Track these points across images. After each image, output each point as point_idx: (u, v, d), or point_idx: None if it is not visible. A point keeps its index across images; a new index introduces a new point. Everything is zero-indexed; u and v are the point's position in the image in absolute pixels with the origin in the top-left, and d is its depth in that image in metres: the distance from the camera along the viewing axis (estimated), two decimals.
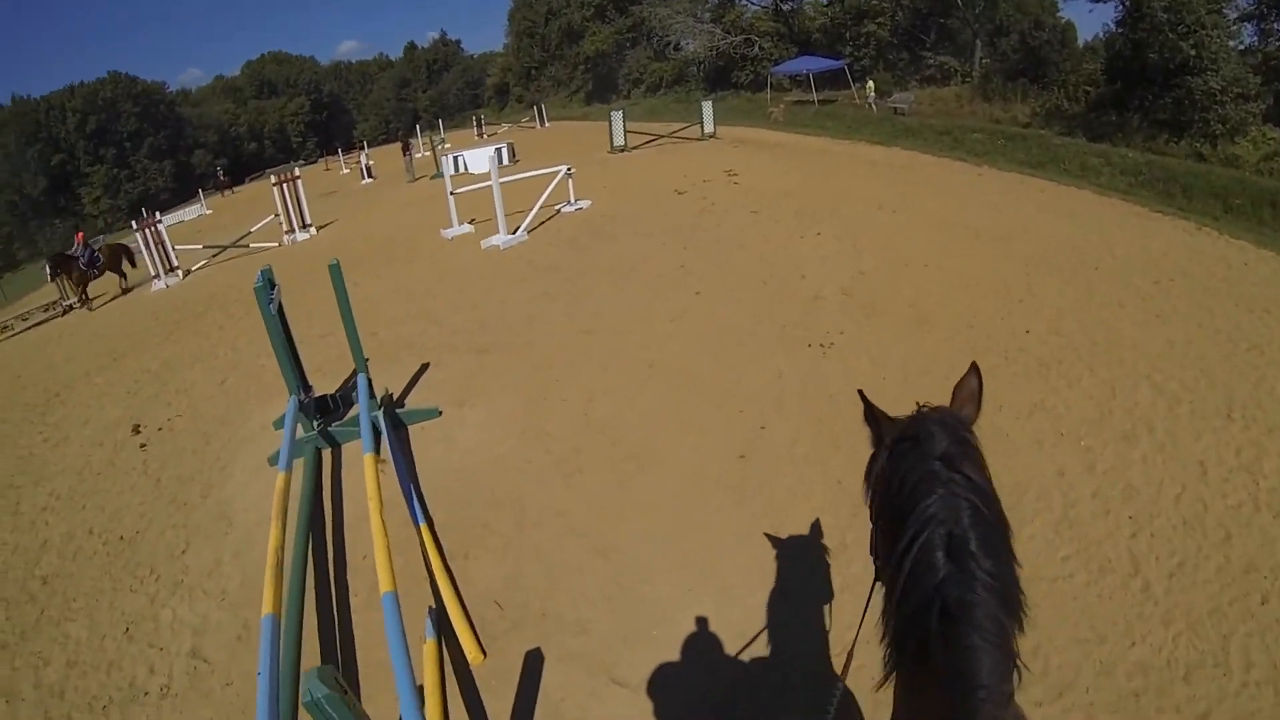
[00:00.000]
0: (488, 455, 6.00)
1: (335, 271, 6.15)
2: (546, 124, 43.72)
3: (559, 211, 14.27)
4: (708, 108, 23.38)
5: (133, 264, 19.38)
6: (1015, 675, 1.29)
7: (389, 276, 12.56)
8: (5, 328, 20.38)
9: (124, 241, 20.26)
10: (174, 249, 18.83)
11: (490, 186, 14.50)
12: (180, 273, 18.87)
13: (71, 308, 20.01)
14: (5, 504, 8.44)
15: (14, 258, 69.43)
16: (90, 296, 18.30)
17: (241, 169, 75.31)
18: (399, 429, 6.67)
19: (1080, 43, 27.75)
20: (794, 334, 7.23)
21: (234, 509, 6.51)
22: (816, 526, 4.81)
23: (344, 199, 27.80)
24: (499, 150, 25.53)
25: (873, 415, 1.63)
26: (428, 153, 30.55)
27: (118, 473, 8.10)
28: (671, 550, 4.68)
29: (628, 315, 8.25)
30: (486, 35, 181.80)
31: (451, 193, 14.11)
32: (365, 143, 56.28)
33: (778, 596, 4.24)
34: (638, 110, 38.17)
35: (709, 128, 22.99)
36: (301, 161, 72.75)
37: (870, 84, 28.30)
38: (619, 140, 22.66)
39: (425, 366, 8.14)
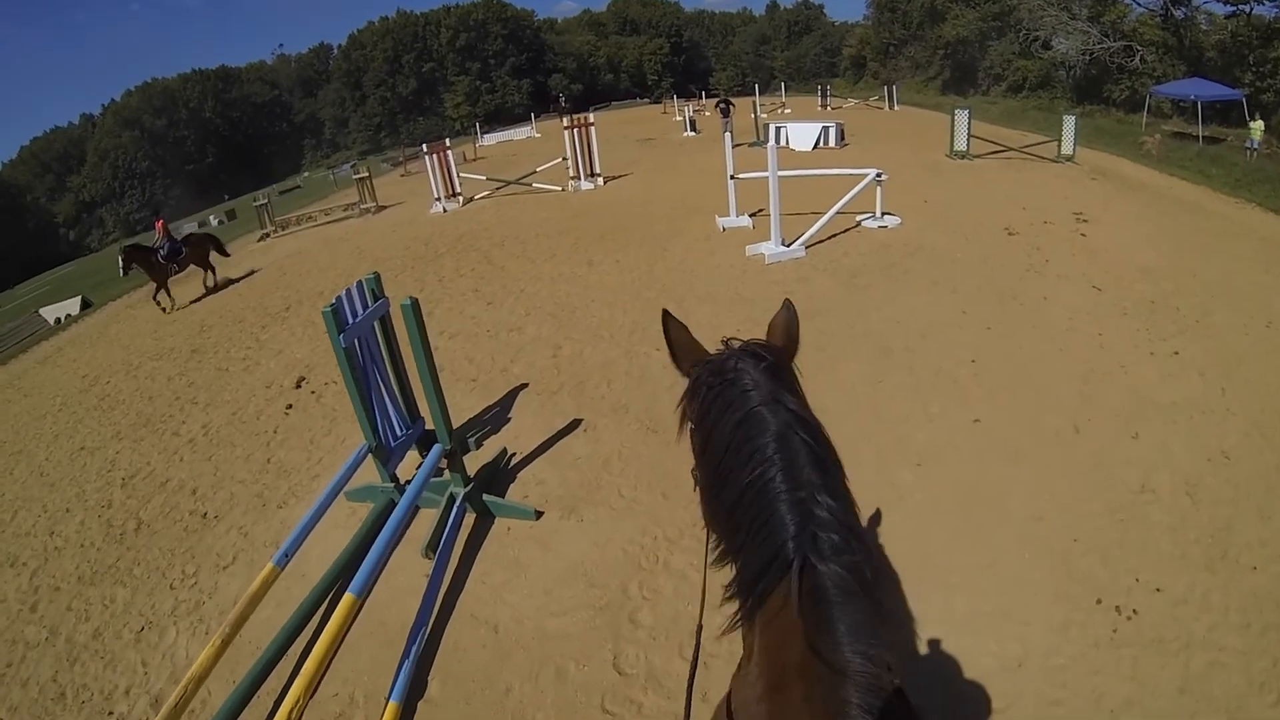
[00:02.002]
0: (539, 622, 4.27)
1: (409, 313, 4.74)
2: (896, 107, 40.20)
3: (858, 225, 11.94)
4: (1069, 124, 19.01)
5: (224, 253, 17.91)
6: (879, 624, 1.25)
7: (631, 265, 11.25)
8: (310, 218, 22.95)
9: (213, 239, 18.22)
10: (458, 176, 19.47)
11: (801, 175, 12.75)
12: (460, 199, 19.48)
13: (369, 210, 21.90)
14: (173, 422, 8.98)
15: (380, 145, 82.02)
16: (168, 301, 15.82)
17: (597, 97, 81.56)
18: (484, 517, 5.21)
19: None
20: (1084, 564, 4.17)
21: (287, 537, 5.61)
22: None
23: (655, 150, 27.47)
24: (826, 129, 23.34)
25: (672, 338, 1.67)
26: (763, 115, 28.79)
27: (253, 432, 8.04)
28: None
29: (861, 430, 5.70)
30: (849, 4, 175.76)
31: (732, 176, 12.39)
32: (703, 93, 56.54)
33: None
34: (993, 111, 33.87)
35: (1068, 148, 18.85)
36: (648, 100, 76.82)
37: (1257, 123, 21.96)
38: (960, 144, 19.37)
39: (575, 425, 6.54)
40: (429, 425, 5.97)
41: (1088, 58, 34.32)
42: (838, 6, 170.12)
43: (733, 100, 25.28)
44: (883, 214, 12.09)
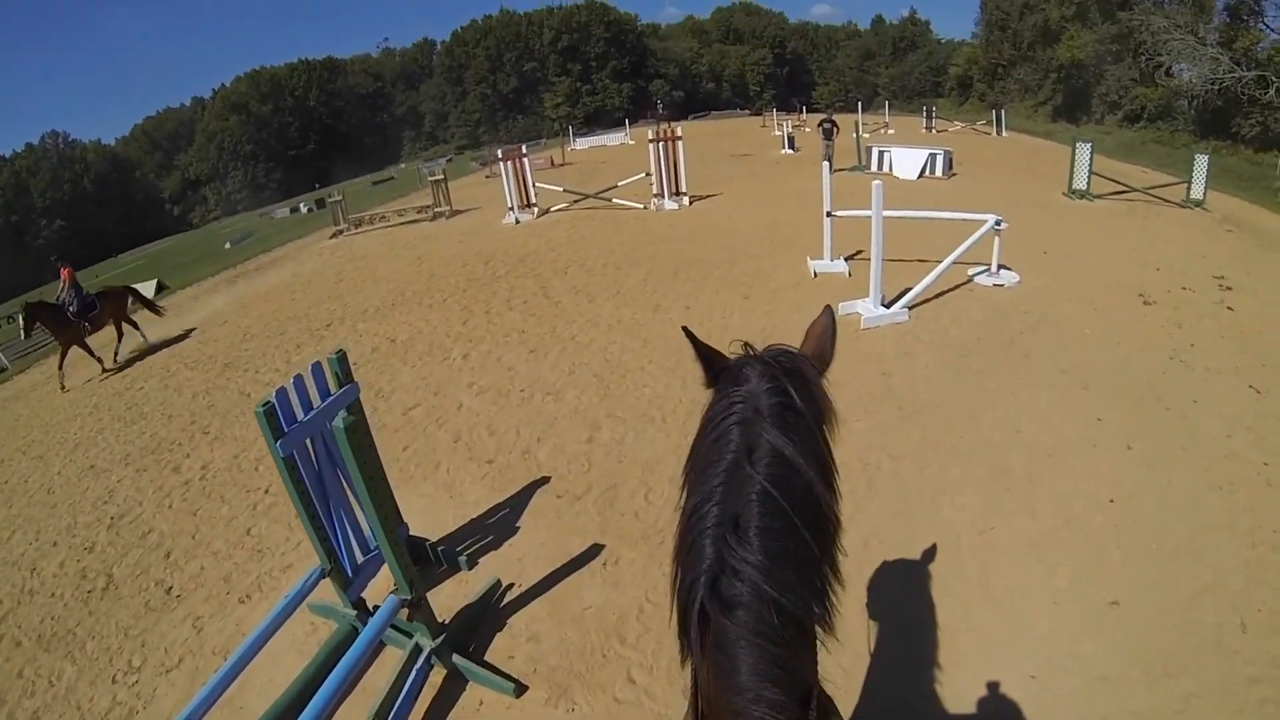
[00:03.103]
0: None
1: (342, 437, 3.55)
2: (1004, 133, 37.73)
3: (971, 280, 10.42)
4: (1201, 164, 16.66)
5: (155, 311, 14.88)
6: (795, 678, 1.23)
7: (704, 314, 9.85)
8: (383, 218, 22.57)
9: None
10: (534, 185, 18.58)
11: (907, 216, 11.38)
12: (535, 210, 18.62)
13: (442, 214, 21.30)
14: (179, 453, 8.44)
15: (478, 141, 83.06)
16: (96, 358, 13.33)
17: (697, 105, 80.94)
18: (456, 678, 4.06)
19: None
20: None
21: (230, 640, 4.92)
22: None
23: (750, 167, 26.11)
24: (932, 157, 21.50)
25: (701, 353, 1.54)
26: (865, 135, 26.56)
27: (247, 486, 7.43)
28: None
29: (965, 610, 4.20)
30: (957, 22, 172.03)
31: (829, 213, 10.98)
32: (803, 107, 54.69)
33: None
34: (1108, 143, 31.48)
35: (1197, 192, 16.63)
36: (748, 111, 75.59)
37: None
38: (1080, 182, 17.26)
39: (595, 553, 5.13)
40: (412, 530, 4.94)
41: (1215, 88, 31.30)
42: (945, 23, 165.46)
43: (836, 120, 23.21)
44: (999, 267, 10.56)
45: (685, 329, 1.59)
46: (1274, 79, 29.19)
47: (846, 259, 11.49)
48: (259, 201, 78.55)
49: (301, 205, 50.79)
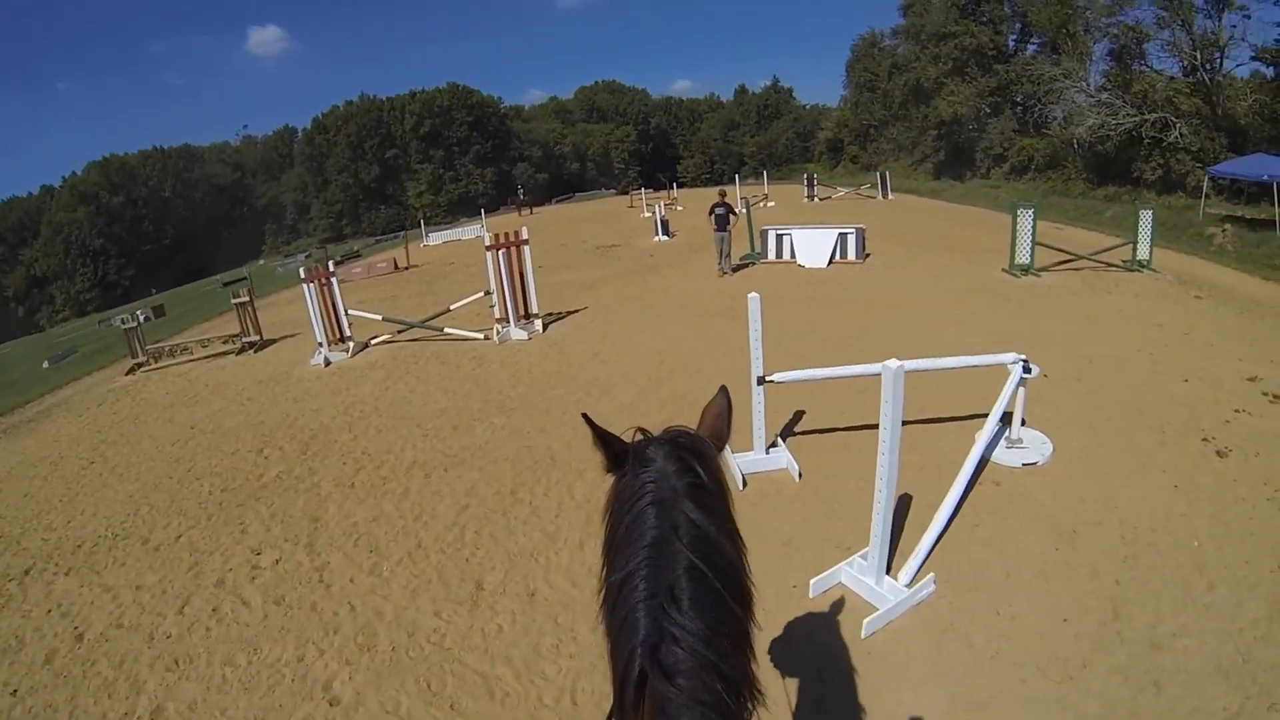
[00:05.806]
0: None
1: None
2: (890, 195, 35.29)
3: (988, 460, 6.33)
4: (1146, 221, 14.17)
5: None
6: None
7: (563, 586, 5.55)
8: (186, 349, 17.56)
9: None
10: (346, 314, 13.65)
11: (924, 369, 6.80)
12: (350, 347, 13.76)
13: (252, 345, 16.18)
14: None
15: (341, 233, 76.69)
16: None
17: (562, 186, 77.18)
18: None
19: None
20: None
21: None
22: None
23: (618, 264, 21.81)
24: (842, 237, 17.29)
25: (601, 438, 1.44)
26: (744, 210, 20.26)
27: None
28: None
29: None
30: (821, 87, 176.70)
31: (762, 380, 6.45)
32: (673, 184, 51.44)
33: None
34: (998, 197, 30.21)
35: (1144, 251, 14.07)
36: (613, 191, 72.41)
37: None
38: (1023, 256, 14.03)
39: None
40: None
41: (1114, 133, 29.25)
42: (808, 91, 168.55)
43: (732, 205, 17.31)
44: (1017, 432, 6.60)
45: (585, 416, 1.43)
46: (1174, 120, 27.36)
47: (783, 438, 7.22)
48: (110, 301, 68.94)
49: (139, 313, 43.60)
